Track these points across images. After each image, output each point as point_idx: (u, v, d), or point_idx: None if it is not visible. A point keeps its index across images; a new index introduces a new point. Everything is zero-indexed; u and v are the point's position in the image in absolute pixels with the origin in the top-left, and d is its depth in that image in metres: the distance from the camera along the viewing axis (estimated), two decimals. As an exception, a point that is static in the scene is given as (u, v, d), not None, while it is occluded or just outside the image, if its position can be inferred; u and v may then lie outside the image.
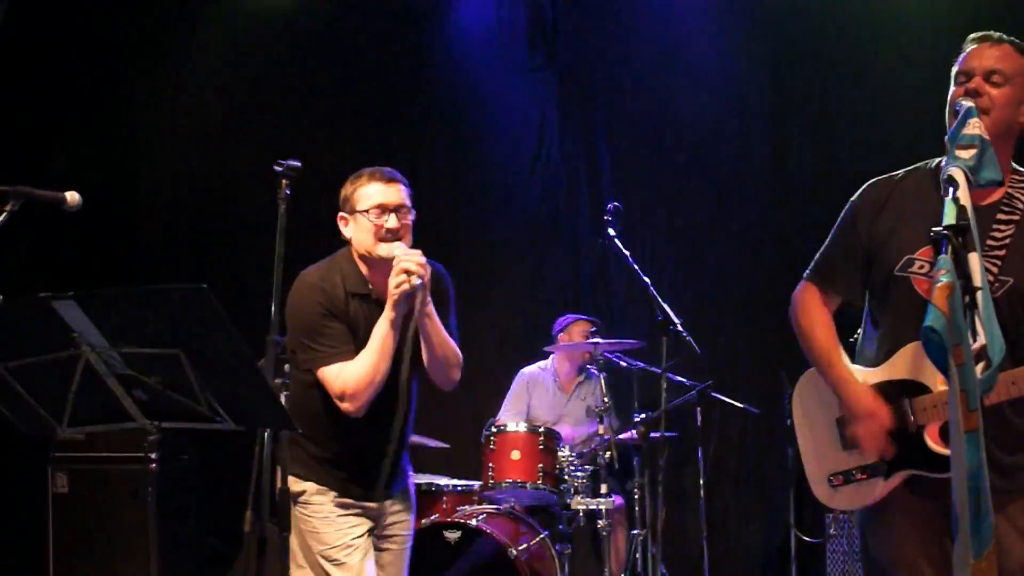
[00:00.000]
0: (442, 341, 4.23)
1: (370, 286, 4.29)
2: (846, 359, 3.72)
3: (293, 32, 9.36)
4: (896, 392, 3.55)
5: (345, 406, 4.11)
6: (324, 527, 4.31)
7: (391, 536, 4.50)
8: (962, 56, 3.55)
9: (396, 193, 4.32)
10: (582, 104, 8.91)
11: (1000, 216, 3.47)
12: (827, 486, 3.74)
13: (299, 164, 4.03)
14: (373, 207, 4.27)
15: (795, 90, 8.33)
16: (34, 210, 3.91)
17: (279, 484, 3.83)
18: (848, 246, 3.74)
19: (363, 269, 4.31)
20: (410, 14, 9.25)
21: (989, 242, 3.41)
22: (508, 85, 9.09)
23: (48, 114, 8.59)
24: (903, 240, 3.58)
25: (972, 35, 3.60)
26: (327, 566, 4.28)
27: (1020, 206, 3.48)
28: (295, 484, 4.27)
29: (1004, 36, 3.57)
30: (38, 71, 8.49)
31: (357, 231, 4.31)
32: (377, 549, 4.45)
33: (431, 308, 4.15)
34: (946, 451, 3.24)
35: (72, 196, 4.01)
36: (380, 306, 4.17)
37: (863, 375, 3.65)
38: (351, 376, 4.10)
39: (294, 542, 4.28)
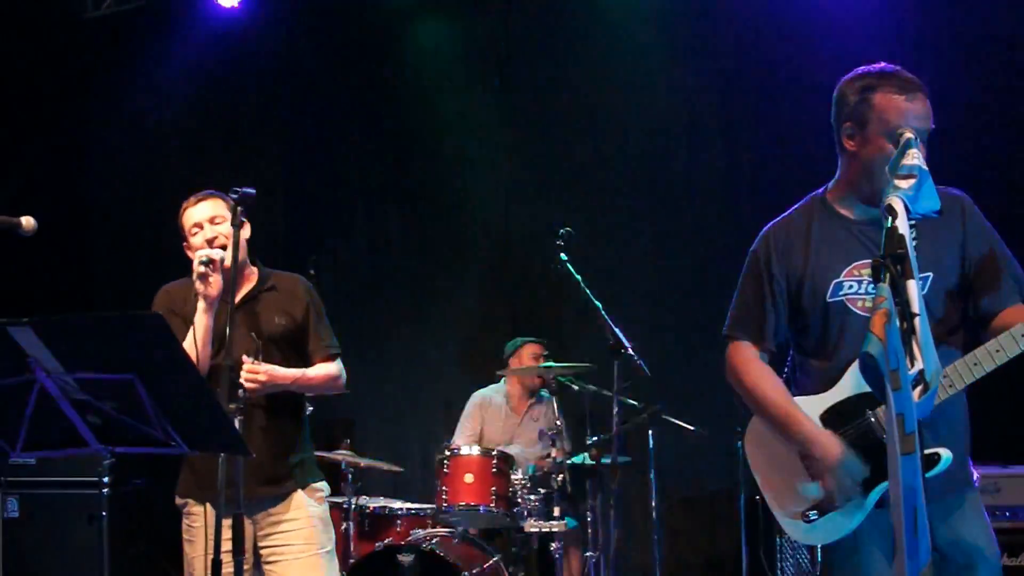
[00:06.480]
0: (309, 385, 4.72)
1: None
2: (800, 408, 3.68)
3: (248, 56, 9.39)
4: (856, 408, 3.58)
5: None
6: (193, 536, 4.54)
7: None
8: (900, 106, 3.50)
9: (206, 208, 4.66)
10: (534, 127, 8.96)
11: None
12: (802, 523, 3.65)
13: (253, 192, 4.08)
14: (191, 228, 4.66)
15: (744, 114, 8.38)
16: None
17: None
18: (766, 294, 3.78)
19: None
20: (366, 38, 9.30)
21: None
22: (462, 107, 9.14)
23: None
24: (824, 268, 3.66)
25: (894, 77, 3.56)
26: None
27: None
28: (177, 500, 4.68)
29: (921, 83, 3.56)
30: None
31: (194, 253, 4.64)
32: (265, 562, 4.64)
33: (283, 375, 4.57)
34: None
35: (28, 221, 4.01)
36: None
37: (815, 402, 3.66)
38: None
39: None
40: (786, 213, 3.87)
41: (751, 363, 3.82)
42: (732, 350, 3.88)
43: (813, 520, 3.63)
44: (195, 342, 4.44)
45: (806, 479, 3.66)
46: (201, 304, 4.49)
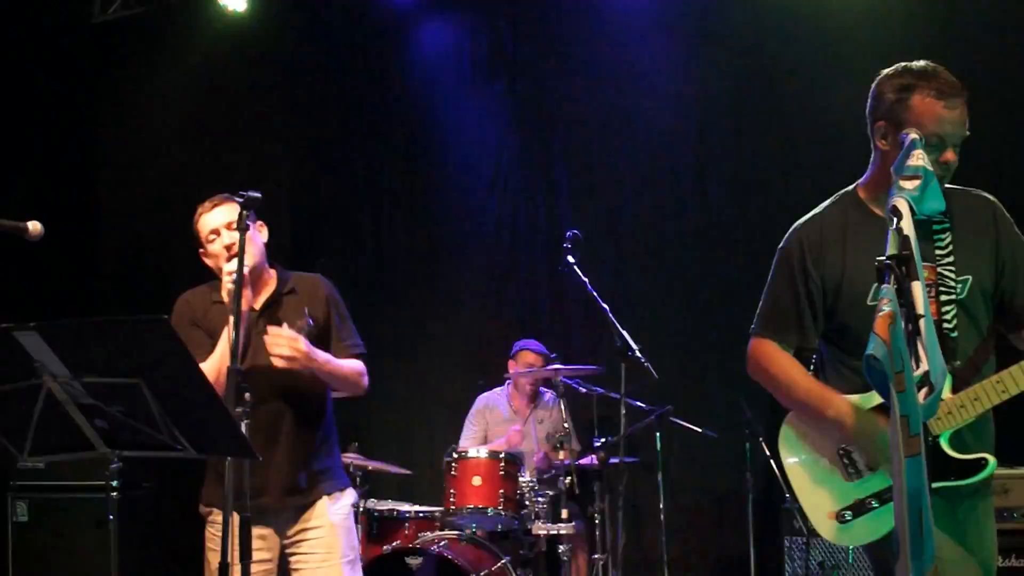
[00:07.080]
0: (338, 374, 4.60)
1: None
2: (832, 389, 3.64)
3: (254, 60, 9.41)
4: None
5: None
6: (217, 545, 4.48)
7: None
8: (938, 113, 3.45)
9: (222, 213, 4.61)
10: (541, 130, 8.96)
11: (935, 226, 3.49)
12: (836, 523, 3.59)
13: (259, 195, 4.08)
14: (207, 235, 4.61)
15: (753, 116, 8.36)
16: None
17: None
18: (798, 292, 3.69)
19: None
20: (372, 40, 9.31)
21: (937, 252, 3.47)
22: (468, 111, 9.14)
23: (6, 143, 8.59)
24: (864, 271, 3.52)
25: (935, 79, 3.49)
26: None
27: (948, 213, 3.48)
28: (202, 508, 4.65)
29: (962, 86, 3.50)
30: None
31: (213, 260, 4.61)
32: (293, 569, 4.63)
33: (318, 354, 4.47)
34: (965, 456, 3.42)
35: (34, 225, 4.01)
36: None
37: (856, 401, 3.59)
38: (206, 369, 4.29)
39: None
40: (817, 210, 3.78)
41: (775, 353, 3.76)
42: (756, 345, 3.82)
43: (848, 520, 3.59)
44: (218, 352, 4.43)
45: (843, 476, 3.62)
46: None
